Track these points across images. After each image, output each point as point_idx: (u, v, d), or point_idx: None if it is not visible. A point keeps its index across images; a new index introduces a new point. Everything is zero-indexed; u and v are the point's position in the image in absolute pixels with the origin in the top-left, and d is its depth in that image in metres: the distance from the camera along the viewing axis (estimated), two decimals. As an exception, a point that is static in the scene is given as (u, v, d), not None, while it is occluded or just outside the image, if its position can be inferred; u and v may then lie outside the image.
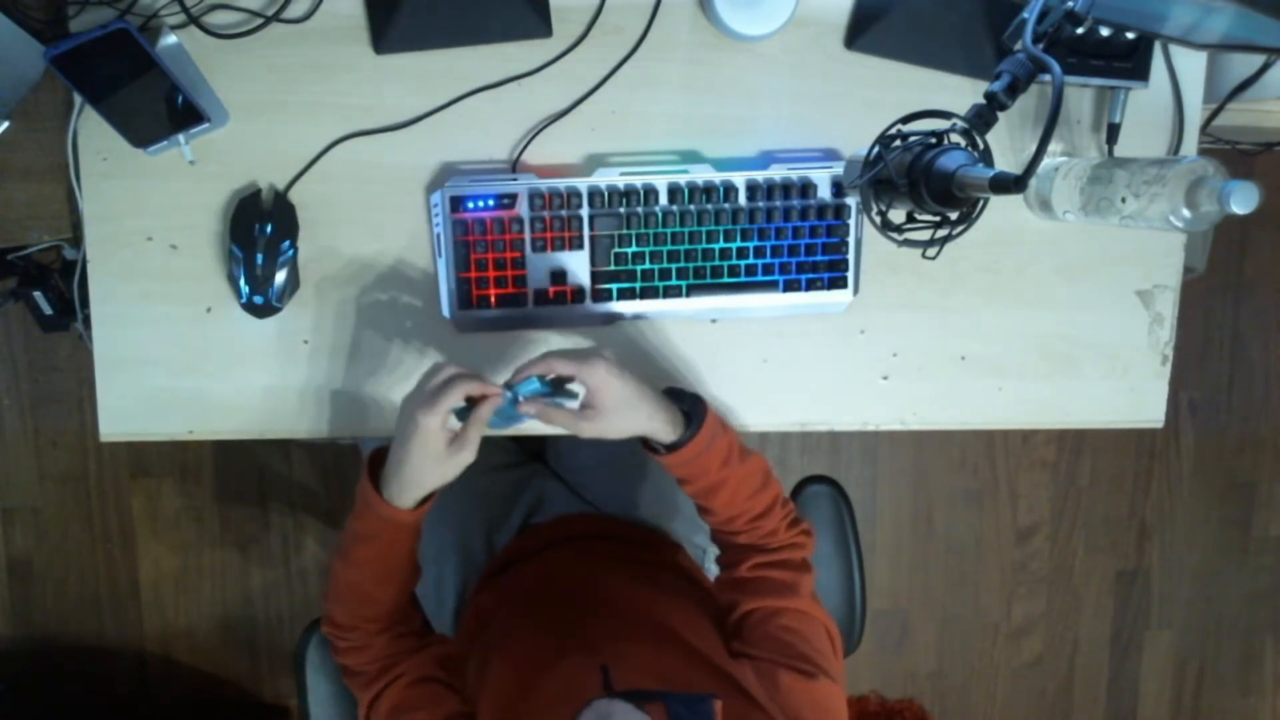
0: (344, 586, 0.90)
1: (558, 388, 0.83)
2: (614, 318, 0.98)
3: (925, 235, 0.76)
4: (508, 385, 0.81)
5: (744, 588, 0.92)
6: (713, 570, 1.20)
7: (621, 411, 0.81)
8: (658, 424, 0.83)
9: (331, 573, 0.91)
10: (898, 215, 0.77)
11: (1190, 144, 1.02)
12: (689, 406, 0.87)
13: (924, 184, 0.71)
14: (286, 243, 0.92)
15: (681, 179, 0.94)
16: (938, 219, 0.75)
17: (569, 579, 1.01)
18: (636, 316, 0.98)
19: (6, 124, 0.91)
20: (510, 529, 1.17)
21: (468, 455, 0.80)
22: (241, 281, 0.92)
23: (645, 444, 0.87)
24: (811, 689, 0.83)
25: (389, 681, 0.90)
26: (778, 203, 0.95)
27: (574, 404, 0.82)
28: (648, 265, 0.95)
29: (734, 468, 0.89)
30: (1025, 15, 0.71)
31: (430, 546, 1.16)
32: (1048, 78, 0.66)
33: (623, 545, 1.10)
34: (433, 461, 0.79)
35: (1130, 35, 0.95)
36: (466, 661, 0.95)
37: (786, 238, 0.96)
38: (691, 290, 0.96)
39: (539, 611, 0.96)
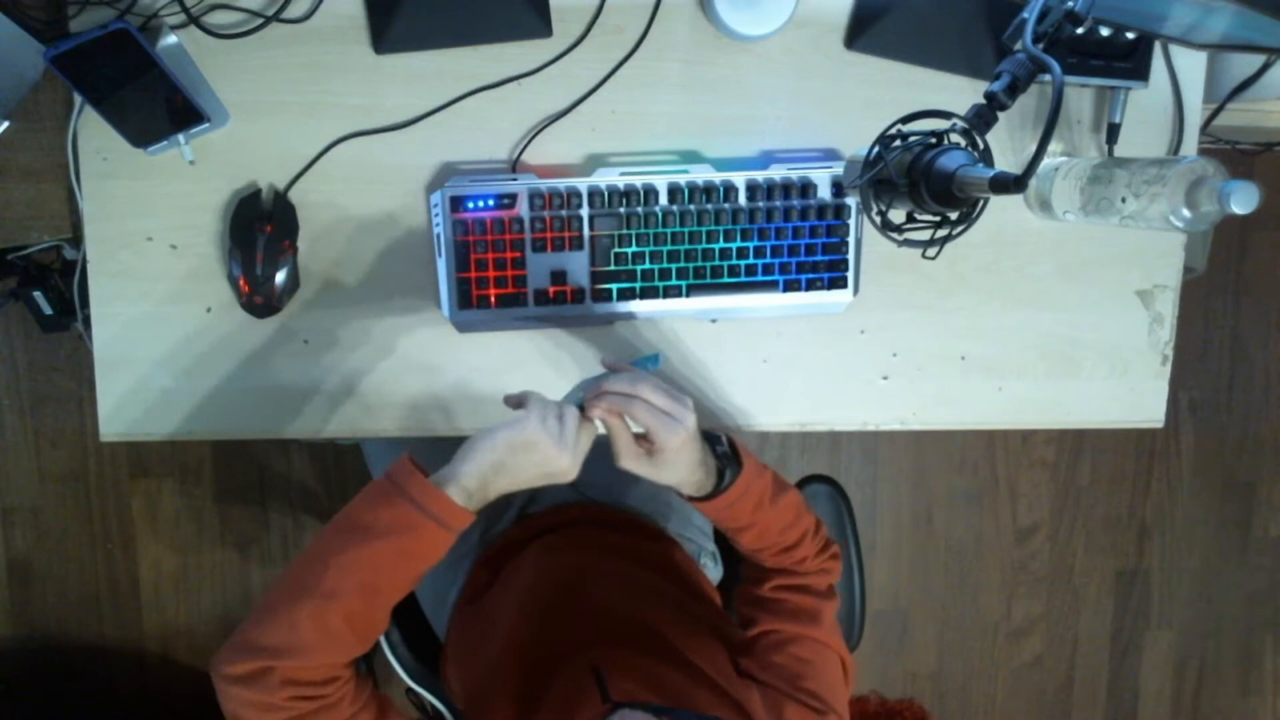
0: (345, 628, 0.74)
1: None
2: (614, 318, 0.98)
3: (925, 235, 0.76)
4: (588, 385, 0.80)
5: (764, 606, 0.91)
6: (709, 566, 1.20)
7: (675, 466, 0.79)
8: (692, 482, 0.81)
9: (311, 620, 0.73)
10: (898, 215, 0.77)
11: (1190, 144, 1.02)
12: (724, 461, 0.85)
13: (924, 184, 0.71)
14: (286, 243, 0.92)
15: (681, 179, 0.94)
16: (938, 219, 0.75)
17: (564, 577, 1.01)
18: (636, 316, 0.98)
19: (6, 124, 0.91)
20: (506, 521, 1.18)
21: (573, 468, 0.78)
22: (241, 281, 0.92)
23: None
24: None
25: None
26: (778, 203, 0.95)
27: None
28: (648, 265, 0.95)
29: (765, 511, 0.88)
30: (1025, 15, 0.71)
31: None
32: (1048, 78, 0.66)
33: (619, 534, 1.10)
34: (539, 478, 0.77)
35: (1130, 35, 0.95)
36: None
37: (786, 238, 0.96)
38: (691, 290, 0.96)
39: (533, 616, 0.96)
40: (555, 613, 0.95)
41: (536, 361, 0.99)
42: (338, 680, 0.76)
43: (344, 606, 0.73)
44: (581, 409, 0.79)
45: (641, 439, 0.79)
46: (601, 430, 0.80)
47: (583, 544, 1.07)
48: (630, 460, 0.79)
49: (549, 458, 0.76)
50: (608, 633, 0.89)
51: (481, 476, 0.76)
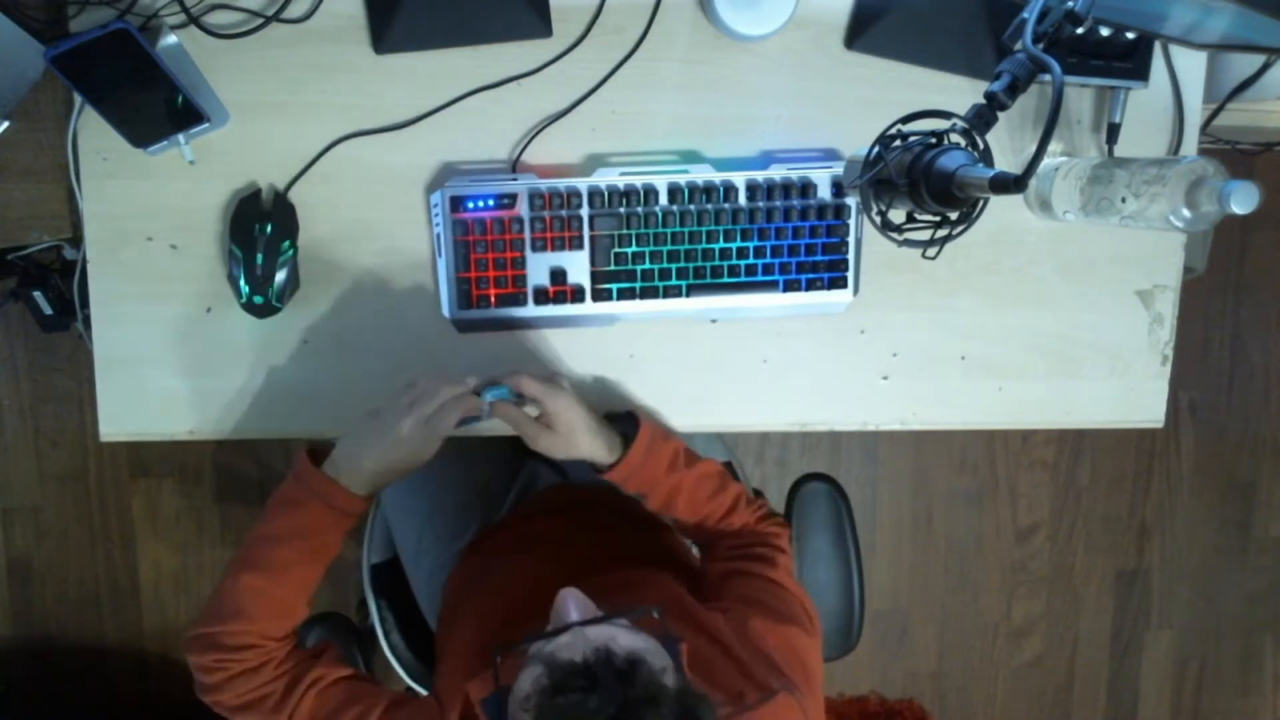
0: (253, 600, 0.84)
1: (520, 399, 0.90)
2: (614, 318, 0.98)
3: (925, 235, 0.76)
4: (477, 391, 0.88)
5: (723, 559, 0.95)
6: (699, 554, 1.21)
7: (571, 436, 0.88)
8: (599, 447, 0.89)
9: (229, 591, 0.84)
10: (898, 215, 0.77)
11: (1190, 144, 1.02)
12: (625, 427, 0.93)
13: (924, 184, 0.71)
14: (286, 243, 0.92)
15: (681, 179, 0.94)
16: (938, 219, 0.75)
17: (552, 545, 1.04)
18: (636, 316, 0.98)
19: (6, 124, 0.91)
20: (504, 511, 1.19)
21: (434, 452, 0.86)
22: (241, 281, 0.92)
23: (595, 468, 0.92)
24: (783, 632, 0.85)
25: (304, 691, 0.83)
26: (778, 203, 0.95)
27: (532, 410, 0.90)
28: (648, 265, 0.95)
29: (682, 472, 0.93)
30: (1025, 15, 0.71)
31: (426, 538, 1.17)
32: (1048, 78, 0.66)
33: (612, 515, 1.11)
34: (407, 467, 0.85)
35: (1130, 35, 0.95)
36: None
37: (786, 238, 0.96)
38: (691, 290, 0.96)
39: (517, 579, 0.98)
40: (541, 581, 0.96)
41: (537, 361, 0.99)
42: (255, 648, 0.83)
43: (250, 581, 0.84)
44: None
45: (539, 419, 0.88)
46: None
47: (574, 517, 1.09)
48: (539, 438, 0.87)
49: (391, 410, 0.85)
50: (591, 588, 0.91)
51: (346, 445, 0.86)
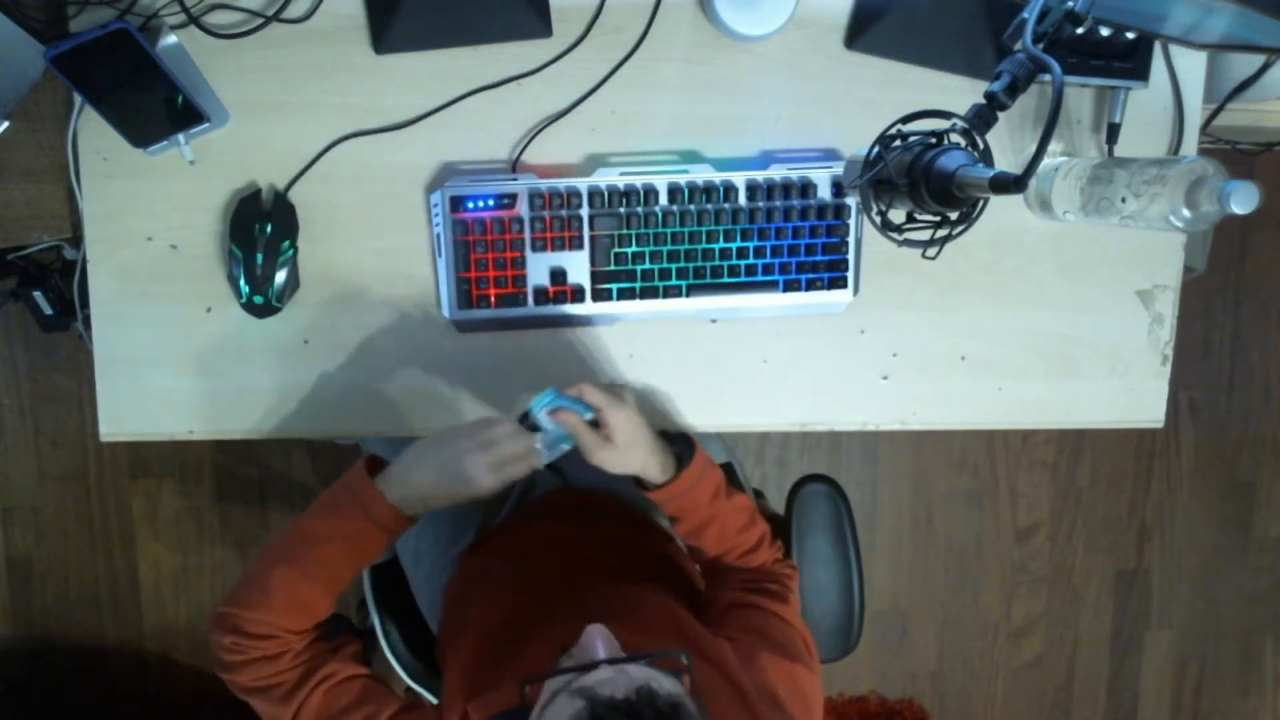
0: (280, 592, 0.85)
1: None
2: (614, 318, 0.98)
3: (925, 235, 0.76)
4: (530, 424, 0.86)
5: (735, 589, 0.95)
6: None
7: (630, 450, 0.86)
8: (653, 464, 0.88)
9: (259, 578, 0.85)
10: (898, 215, 0.77)
11: (1190, 144, 1.02)
12: (680, 448, 0.92)
13: (924, 184, 0.71)
14: (286, 243, 0.92)
15: (681, 179, 0.94)
16: (938, 219, 0.75)
17: (553, 551, 1.03)
18: (636, 316, 0.98)
19: (6, 124, 0.91)
20: (505, 512, 1.19)
21: (490, 495, 0.85)
22: (241, 281, 0.92)
23: (638, 482, 0.92)
24: (790, 670, 0.86)
25: (314, 686, 0.84)
26: (778, 203, 0.95)
27: (589, 416, 0.87)
28: (648, 265, 0.95)
29: (722, 503, 0.94)
30: (1025, 15, 0.71)
31: (425, 540, 1.17)
32: (1048, 78, 0.66)
33: (613, 523, 1.11)
34: (457, 499, 0.85)
35: (1130, 35, 0.95)
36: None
37: (786, 238, 0.96)
38: (691, 290, 0.96)
39: (517, 586, 0.97)
40: (538, 591, 0.96)
41: (536, 361, 0.99)
42: (274, 638, 0.84)
43: (281, 574, 0.85)
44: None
45: (599, 431, 0.86)
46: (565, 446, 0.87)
47: (576, 524, 1.09)
48: (597, 450, 0.85)
49: (462, 449, 0.83)
50: (588, 611, 0.90)
51: (405, 465, 0.85)
